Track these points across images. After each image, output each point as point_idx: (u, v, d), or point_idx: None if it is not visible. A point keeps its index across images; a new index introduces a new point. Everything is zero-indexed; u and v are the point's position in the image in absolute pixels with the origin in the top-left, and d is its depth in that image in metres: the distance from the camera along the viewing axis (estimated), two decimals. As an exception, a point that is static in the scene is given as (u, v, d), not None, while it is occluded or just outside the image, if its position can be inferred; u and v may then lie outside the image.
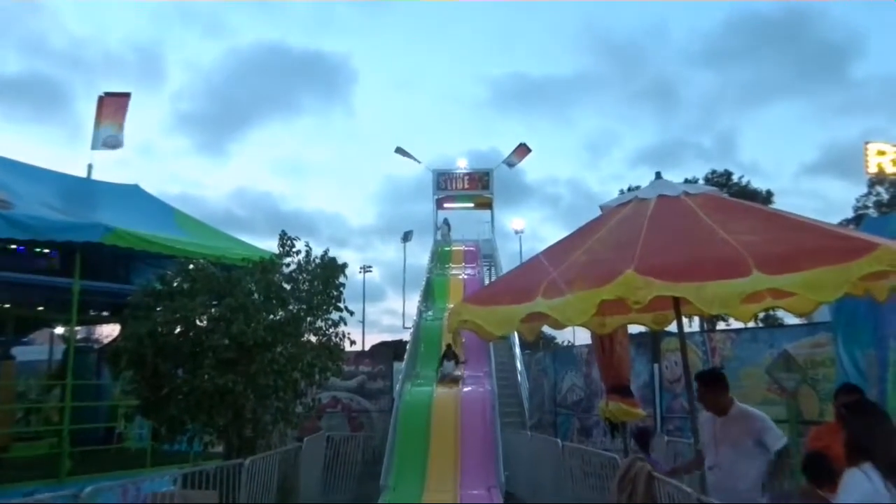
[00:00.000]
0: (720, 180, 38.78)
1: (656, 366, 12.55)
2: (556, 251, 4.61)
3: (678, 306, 4.92)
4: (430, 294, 20.95)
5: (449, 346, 13.76)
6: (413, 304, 22.50)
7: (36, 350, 15.15)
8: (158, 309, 8.02)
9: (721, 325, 22.48)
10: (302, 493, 8.90)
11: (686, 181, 11.85)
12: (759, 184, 41.51)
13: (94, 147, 12.43)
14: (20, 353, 13.39)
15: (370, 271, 47.95)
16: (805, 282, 3.46)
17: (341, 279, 8.99)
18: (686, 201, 4.49)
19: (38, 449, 9.61)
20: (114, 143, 11.96)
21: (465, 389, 14.32)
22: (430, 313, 19.27)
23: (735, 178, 40.42)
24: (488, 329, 4.15)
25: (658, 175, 4.98)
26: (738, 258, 3.61)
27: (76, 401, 9.06)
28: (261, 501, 7.16)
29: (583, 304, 3.60)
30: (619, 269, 3.62)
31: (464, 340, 16.12)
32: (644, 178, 5.42)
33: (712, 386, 5.24)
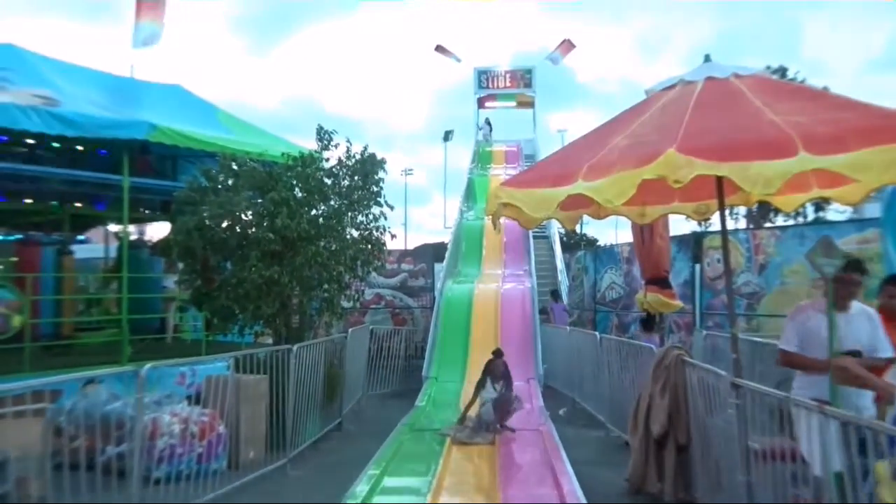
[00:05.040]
0: (775, 76, 37.02)
1: (697, 266, 12.49)
2: (599, 135, 4.54)
3: (721, 194, 4.84)
4: (472, 194, 20.93)
5: (495, 357, 8.61)
6: (455, 204, 22.55)
7: (92, 248, 15.75)
8: (205, 206, 8.22)
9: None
10: (347, 384, 9.28)
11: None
12: (816, 80, 39.55)
13: (134, 45, 12.38)
14: (78, 250, 13.96)
15: (412, 174, 47.91)
16: (851, 163, 3.37)
17: (381, 174, 9.03)
18: (734, 83, 4.34)
19: (100, 337, 10.17)
20: (152, 40, 11.91)
21: (506, 286, 14.54)
22: (471, 213, 19.33)
23: (791, 73, 38.56)
24: (527, 212, 4.17)
25: (707, 58, 4.79)
26: (784, 139, 3.52)
27: (132, 294, 9.46)
28: (308, 386, 7.52)
29: (623, 185, 3.58)
30: (661, 149, 3.57)
31: (503, 236, 16.34)
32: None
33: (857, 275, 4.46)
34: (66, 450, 4.33)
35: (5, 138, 8.88)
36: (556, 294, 15.24)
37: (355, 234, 9.10)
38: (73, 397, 6.41)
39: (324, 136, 9.06)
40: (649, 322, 9.70)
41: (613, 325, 14.73)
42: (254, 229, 8.25)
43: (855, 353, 4.12)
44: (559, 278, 16.69)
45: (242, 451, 6.83)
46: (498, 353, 8.64)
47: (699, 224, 9.96)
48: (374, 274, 10.75)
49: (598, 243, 33.97)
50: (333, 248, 8.56)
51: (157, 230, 14.38)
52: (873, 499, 3.12)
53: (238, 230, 8.39)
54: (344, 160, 9.03)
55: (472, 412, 8.29)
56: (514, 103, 31.57)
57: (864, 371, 3.98)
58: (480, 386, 8.30)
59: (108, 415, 6.13)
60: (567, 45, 30.40)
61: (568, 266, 18.18)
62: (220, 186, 8.59)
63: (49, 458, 4.34)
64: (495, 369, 8.38)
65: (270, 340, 9.05)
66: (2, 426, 4.29)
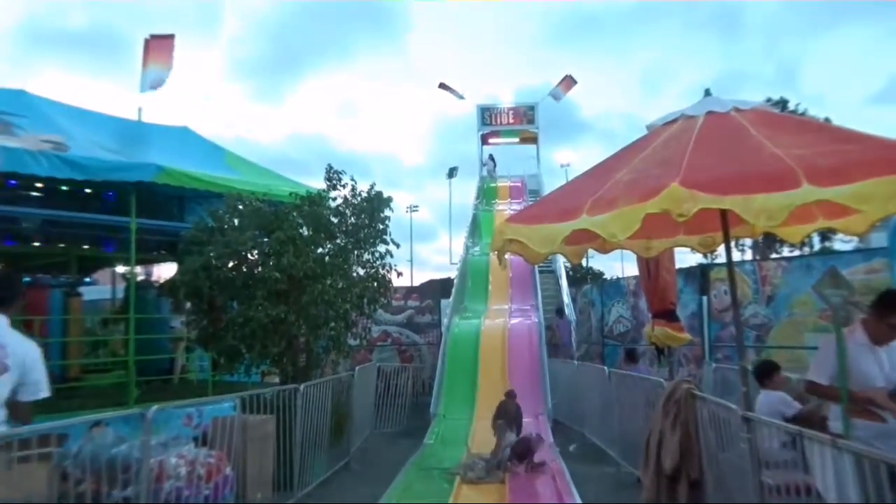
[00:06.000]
0: (776, 108, 37.21)
1: (704, 298, 12.44)
2: (601, 171, 4.56)
3: (726, 226, 4.84)
4: (477, 230, 21.02)
5: (508, 398, 8.69)
6: (460, 240, 22.65)
7: (100, 289, 15.82)
8: (211, 246, 8.27)
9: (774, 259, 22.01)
10: (354, 423, 9.20)
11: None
12: (817, 112, 39.82)
13: (142, 90, 12.59)
14: (86, 292, 14.02)
15: (416, 211, 48.19)
16: (855, 193, 3.37)
17: (387, 212, 9.09)
18: (735, 117, 4.37)
19: (108, 379, 10.16)
20: (159, 84, 12.12)
21: (513, 321, 14.49)
22: (476, 249, 19.38)
23: (792, 105, 38.84)
24: (532, 247, 4.17)
25: (707, 92, 4.83)
26: (787, 171, 3.53)
27: (139, 335, 9.48)
28: (315, 426, 7.46)
29: (627, 219, 3.58)
30: (664, 183, 3.58)
31: (510, 273, 16.35)
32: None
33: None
34: (71, 494, 4.30)
35: (15, 182, 8.99)
36: (560, 311, 16.01)
37: (361, 272, 9.13)
38: (79, 440, 6.36)
39: (333, 176, 9.15)
40: (632, 353, 11.12)
41: (622, 359, 14.62)
42: (260, 268, 8.29)
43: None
44: (566, 312, 16.66)
45: (250, 493, 6.74)
46: (511, 395, 8.60)
47: (705, 256, 9.98)
48: (380, 311, 10.75)
49: (604, 277, 33.95)
50: (340, 286, 8.57)
51: (165, 271, 14.45)
52: None
53: (244, 269, 8.42)
54: (350, 198, 9.10)
55: (486, 452, 8.23)
56: (517, 139, 31.84)
57: (889, 402, 3.98)
58: (504, 430, 8.17)
59: (114, 458, 6.08)
60: (568, 82, 30.78)
61: (574, 300, 18.14)
62: (226, 226, 8.65)
63: (55, 503, 4.30)
64: (509, 411, 8.35)
65: (277, 379, 9.01)
66: (7, 471, 4.26)
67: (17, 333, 4.11)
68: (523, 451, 8.04)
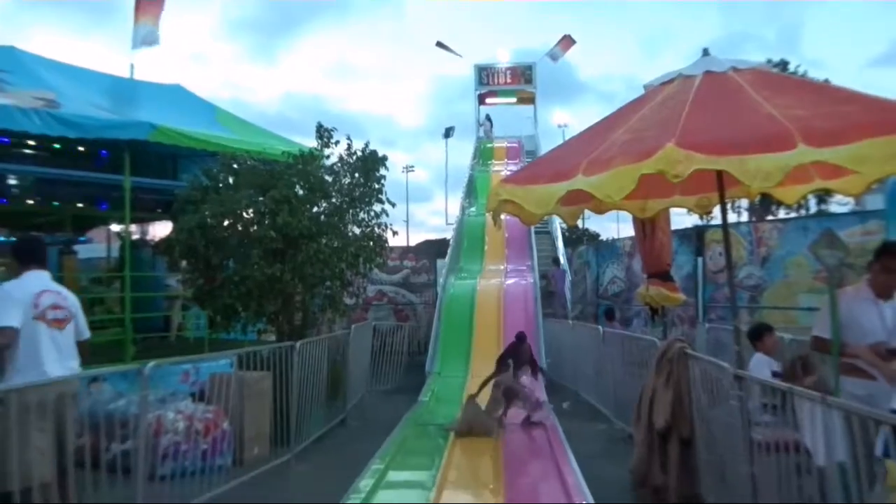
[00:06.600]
0: (776, 70, 36.81)
1: (700, 259, 12.50)
2: (598, 131, 4.54)
3: (722, 187, 4.84)
4: (473, 191, 20.96)
5: (519, 342, 8.50)
6: (456, 202, 22.59)
7: (95, 248, 15.80)
8: (206, 205, 8.24)
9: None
10: (350, 380, 9.29)
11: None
12: (817, 74, 39.37)
13: (133, 46, 12.35)
14: (81, 251, 14.00)
15: (412, 171, 47.99)
16: (851, 154, 3.36)
17: (382, 171, 9.05)
18: (733, 77, 4.33)
19: (104, 336, 10.20)
20: (151, 40, 11.88)
21: (509, 282, 14.56)
22: (472, 209, 19.36)
23: (792, 67, 38.37)
24: (527, 208, 4.17)
25: (706, 52, 4.78)
26: (783, 132, 3.51)
27: (135, 293, 9.49)
28: (312, 383, 7.54)
29: (622, 180, 3.58)
30: (660, 143, 3.56)
31: (506, 235, 16.38)
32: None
33: None
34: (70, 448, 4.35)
35: (7, 140, 8.90)
36: (556, 260, 16.87)
37: (357, 231, 9.12)
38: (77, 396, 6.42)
39: (323, 134, 9.08)
40: (610, 312, 12.62)
41: (616, 320, 14.74)
42: (255, 227, 8.27)
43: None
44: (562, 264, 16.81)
45: (247, 448, 6.86)
46: (522, 338, 8.52)
47: (701, 218, 9.98)
48: (376, 270, 10.78)
49: (599, 238, 34.02)
50: (335, 245, 8.57)
51: (160, 229, 14.41)
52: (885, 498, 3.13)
53: (239, 228, 8.40)
54: (345, 157, 9.05)
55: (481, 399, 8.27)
56: (514, 99, 31.56)
57: (876, 359, 4.03)
58: (502, 367, 8.09)
59: (112, 413, 6.16)
60: (567, 42, 30.39)
61: (570, 261, 18.21)
62: (221, 185, 8.61)
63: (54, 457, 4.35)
64: (522, 354, 8.32)
65: (273, 338, 9.07)
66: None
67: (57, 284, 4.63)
68: (511, 394, 8.06)
